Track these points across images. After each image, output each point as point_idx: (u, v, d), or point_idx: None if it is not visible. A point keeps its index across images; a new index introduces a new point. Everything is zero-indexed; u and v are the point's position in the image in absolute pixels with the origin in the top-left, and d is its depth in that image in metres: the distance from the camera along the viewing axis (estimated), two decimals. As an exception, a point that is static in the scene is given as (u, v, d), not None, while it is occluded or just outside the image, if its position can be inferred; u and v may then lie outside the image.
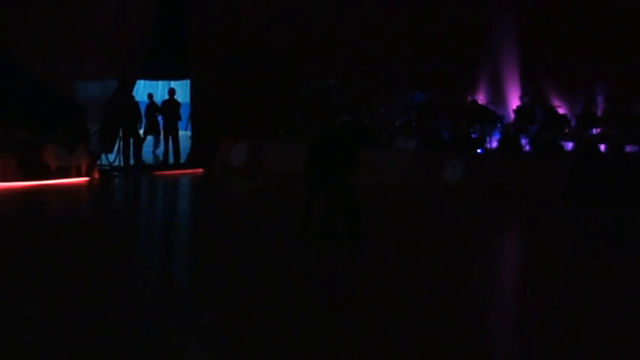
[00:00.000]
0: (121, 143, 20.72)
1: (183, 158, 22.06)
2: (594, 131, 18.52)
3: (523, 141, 18.86)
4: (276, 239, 11.76)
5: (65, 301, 8.15)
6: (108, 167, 20.50)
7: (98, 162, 19.71)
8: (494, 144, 19.47)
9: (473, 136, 19.37)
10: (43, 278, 9.13)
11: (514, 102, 20.14)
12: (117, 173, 19.93)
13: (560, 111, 19.19)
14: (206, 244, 11.58)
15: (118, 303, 8.16)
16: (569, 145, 18.59)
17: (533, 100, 19.75)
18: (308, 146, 11.51)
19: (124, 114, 20.71)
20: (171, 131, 21.71)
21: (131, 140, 20.71)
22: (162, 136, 22.32)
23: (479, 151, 19.02)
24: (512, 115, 19.82)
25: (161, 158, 22.21)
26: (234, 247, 11.37)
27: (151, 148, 21.73)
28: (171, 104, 21.95)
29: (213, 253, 10.87)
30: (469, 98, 20.35)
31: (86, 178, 18.51)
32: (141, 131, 21.63)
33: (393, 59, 21.14)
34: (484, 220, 14.69)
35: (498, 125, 19.52)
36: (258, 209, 14.96)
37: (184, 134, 23.24)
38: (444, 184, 17.64)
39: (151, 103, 23.49)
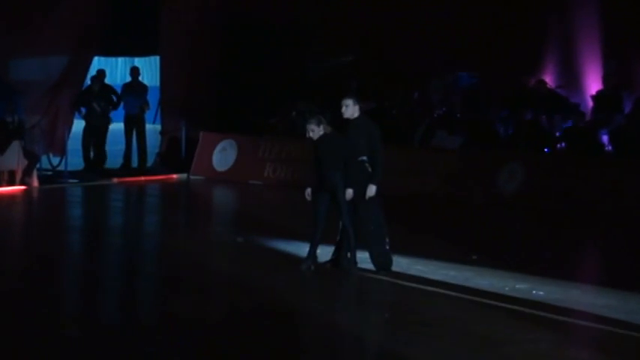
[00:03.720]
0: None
1: (150, 160, 22.26)
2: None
3: (604, 137, 18.96)
4: (272, 270, 11.95)
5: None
6: (51, 172, 20.71)
7: (38, 165, 19.88)
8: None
9: (539, 130, 19.40)
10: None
11: (593, 85, 20.21)
12: (62, 181, 20.10)
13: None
14: (175, 284, 11.68)
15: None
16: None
17: (618, 82, 19.83)
18: (316, 143, 11.62)
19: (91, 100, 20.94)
20: (135, 124, 21.89)
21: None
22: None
23: (545, 150, 19.12)
24: (590, 103, 19.90)
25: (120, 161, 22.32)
26: (216, 282, 11.57)
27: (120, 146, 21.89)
28: (134, 88, 22.10)
29: (185, 293, 11.05)
30: (532, 80, 20.43)
31: (22, 187, 18.70)
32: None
33: (430, 28, 21.21)
34: (552, 242, 14.80)
35: (572, 116, 19.57)
36: (250, 229, 15.09)
37: (152, 128, 23.37)
38: (498, 193, 17.82)
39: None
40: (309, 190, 11.66)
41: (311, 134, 11.52)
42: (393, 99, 21.04)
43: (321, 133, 11.50)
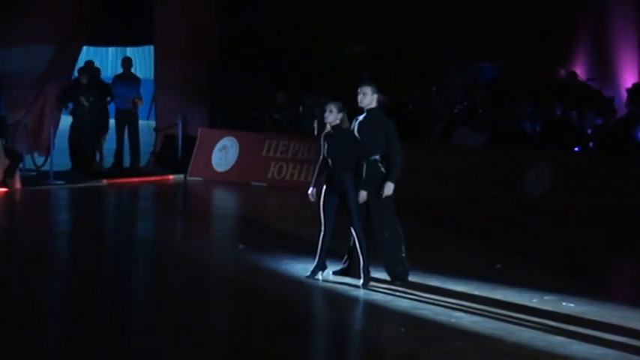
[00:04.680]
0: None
1: (143, 160, 22.29)
2: None
3: (640, 135, 18.99)
4: (276, 280, 11.96)
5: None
6: (35, 173, 20.74)
7: (21, 165, 19.94)
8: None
9: (570, 127, 19.41)
10: None
11: (628, 77, 20.20)
12: (48, 182, 20.12)
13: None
14: (174, 293, 11.73)
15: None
16: None
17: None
18: (325, 138, 11.59)
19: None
20: (127, 120, 21.91)
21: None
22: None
23: (576, 149, 19.11)
24: (624, 97, 19.89)
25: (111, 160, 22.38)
26: (217, 291, 11.56)
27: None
28: (125, 80, 22.13)
29: (185, 302, 11.04)
30: (562, 72, 20.42)
31: (3, 189, 18.71)
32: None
33: (449, 15, 21.22)
34: (582, 249, 14.78)
35: (605, 112, 19.57)
36: (252, 235, 15.11)
37: (145, 124, 23.38)
38: (524, 196, 17.80)
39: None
40: (313, 191, 11.59)
41: (327, 114, 11.41)
42: (409, 93, 21.04)
43: (337, 122, 11.40)
